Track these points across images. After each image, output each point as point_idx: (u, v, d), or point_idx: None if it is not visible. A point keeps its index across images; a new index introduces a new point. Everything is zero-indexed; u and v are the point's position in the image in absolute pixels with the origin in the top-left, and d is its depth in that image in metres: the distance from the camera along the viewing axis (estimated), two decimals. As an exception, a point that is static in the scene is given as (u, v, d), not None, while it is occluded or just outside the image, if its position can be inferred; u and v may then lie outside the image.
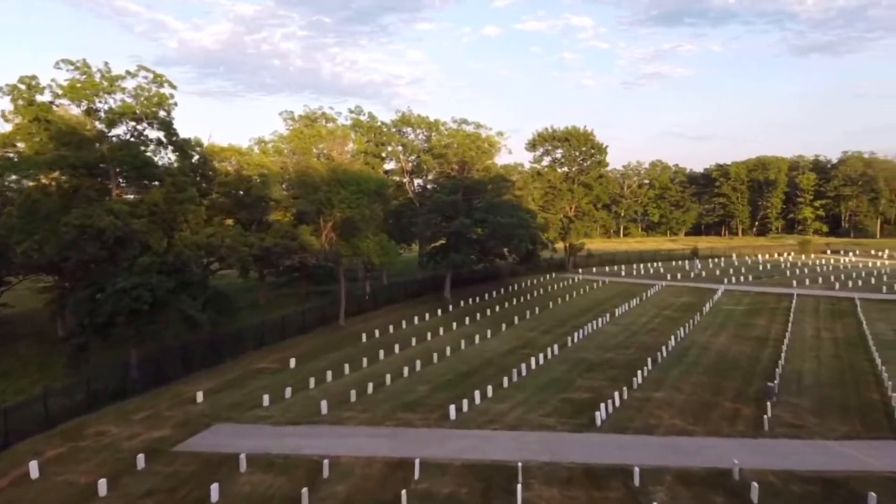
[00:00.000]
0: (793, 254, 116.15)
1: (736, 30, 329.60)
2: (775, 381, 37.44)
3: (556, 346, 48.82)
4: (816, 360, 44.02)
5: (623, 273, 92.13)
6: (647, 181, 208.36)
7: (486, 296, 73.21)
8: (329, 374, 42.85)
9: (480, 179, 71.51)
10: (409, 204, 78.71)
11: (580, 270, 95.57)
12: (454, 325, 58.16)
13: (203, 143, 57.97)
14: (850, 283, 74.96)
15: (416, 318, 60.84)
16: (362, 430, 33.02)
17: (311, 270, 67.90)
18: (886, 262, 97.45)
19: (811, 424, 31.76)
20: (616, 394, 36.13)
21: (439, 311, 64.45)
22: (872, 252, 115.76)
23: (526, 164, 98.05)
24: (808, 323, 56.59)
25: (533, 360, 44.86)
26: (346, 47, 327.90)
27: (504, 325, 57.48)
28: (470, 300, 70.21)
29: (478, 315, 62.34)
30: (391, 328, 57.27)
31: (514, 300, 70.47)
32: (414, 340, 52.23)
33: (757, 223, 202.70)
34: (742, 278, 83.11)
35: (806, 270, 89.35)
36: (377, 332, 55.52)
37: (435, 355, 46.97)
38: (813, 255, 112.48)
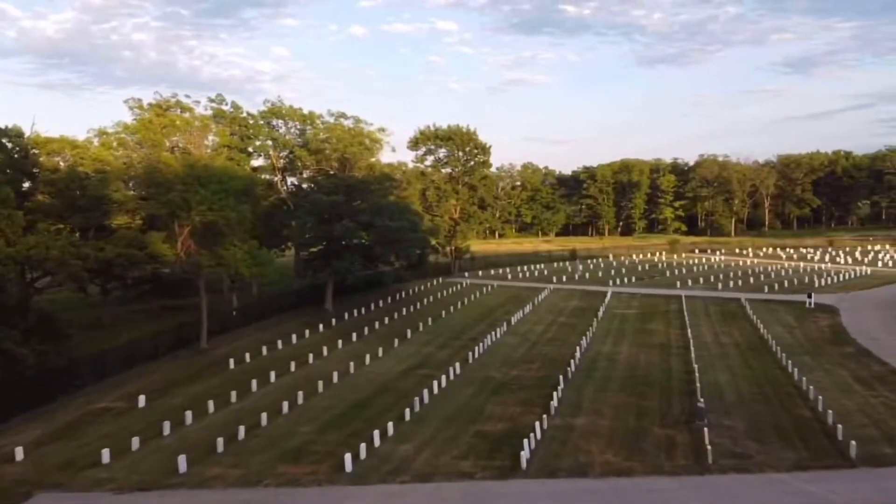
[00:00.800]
0: (664, 253, 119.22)
1: (590, 40, 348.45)
2: (701, 400, 34.32)
3: (456, 364, 43.62)
4: (729, 371, 41.87)
5: (509, 276, 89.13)
6: (518, 183, 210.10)
7: (373, 306, 66.90)
8: (188, 414, 34.90)
9: (364, 178, 65.10)
10: (281, 205, 70.70)
11: (466, 275, 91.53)
12: (339, 342, 51.45)
13: (24, 133, 47.27)
14: (731, 284, 76.07)
15: (294, 336, 53.43)
16: (233, 496, 25.87)
17: (167, 282, 58.36)
18: (755, 261, 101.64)
19: (754, 453, 28.52)
20: (536, 423, 31.33)
21: (321, 327, 57.37)
22: (737, 251, 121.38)
23: (409, 163, 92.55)
24: (705, 327, 55.36)
25: (434, 382, 39.33)
26: (205, 41, 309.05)
27: (396, 341, 51.53)
28: (355, 311, 63.59)
29: (365, 329, 55.95)
30: (264, 349, 49.59)
31: (404, 310, 64.68)
32: (293, 365, 44.99)
33: (621, 223, 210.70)
34: (626, 280, 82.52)
35: (683, 271, 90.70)
36: (248, 356, 47.68)
37: (320, 383, 40.15)
38: (683, 255, 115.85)
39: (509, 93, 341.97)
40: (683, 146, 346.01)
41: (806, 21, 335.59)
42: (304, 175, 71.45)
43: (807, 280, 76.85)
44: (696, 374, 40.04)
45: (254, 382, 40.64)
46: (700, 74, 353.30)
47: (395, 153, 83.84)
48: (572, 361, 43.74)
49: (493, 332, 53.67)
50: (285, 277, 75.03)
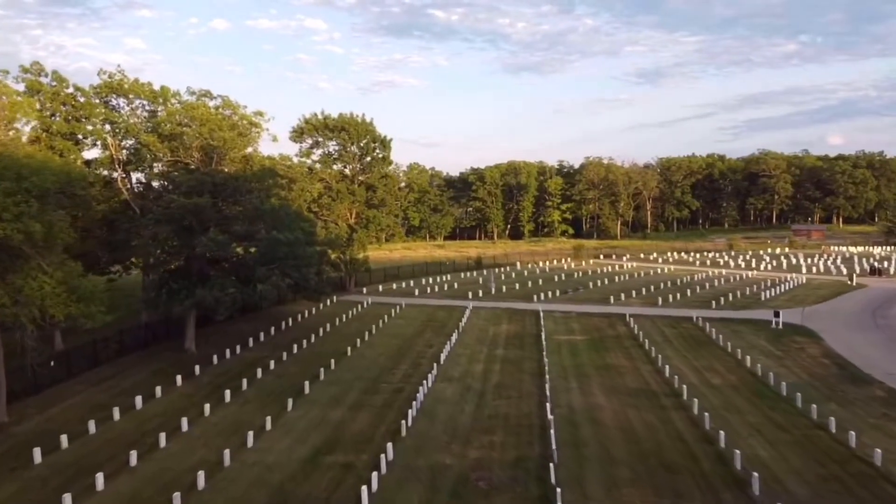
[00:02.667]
0: (569, 260, 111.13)
1: (458, 46, 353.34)
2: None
3: (386, 444, 29.77)
4: (760, 435, 31.07)
5: (416, 292, 75.92)
6: (404, 184, 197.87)
7: (251, 341, 51.36)
8: None
9: (238, 174, 49.41)
10: (125, 209, 53.27)
11: (365, 290, 77.39)
12: (207, 406, 35.91)
13: None
14: (670, 297, 67.38)
15: (139, 397, 37.26)
16: None
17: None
18: (672, 268, 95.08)
19: None
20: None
21: (179, 378, 41.30)
22: (641, 256, 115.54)
23: (293, 158, 76.67)
24: (676, 360, 45.06)
25: (359, 482, 25.38)
26: (51, 30, 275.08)
27: (290, 400, 36.77)
28: (227, 351, 47.84)
29: (243, 381, 40.59)
30: (92, 424, 33.24)
31: (294, 346, 49.65)
32: (134, 455, 29.21)
33: (509, 226, 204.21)
34: (550, 294, 71.93)
35: (605, 281, 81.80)
36: (65, 439, 31.24)
37: (177, 497, 24.93)
38: (591, 261, 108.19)
39: (381, 94, 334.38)
40: (546, 152, 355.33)
41: (656, 34, 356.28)
42: (156, 170, 54.26)
43: (748, 291, 69.88)
44: (723, 444, 28.97)
45: (68, 497, 24.73)
46: (561, 83, 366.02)
47: (277, 143, 68.36)
48: (546, 432, 31.31)
49: (422, 381, 40.32)
50: (132, 303, 57.71)
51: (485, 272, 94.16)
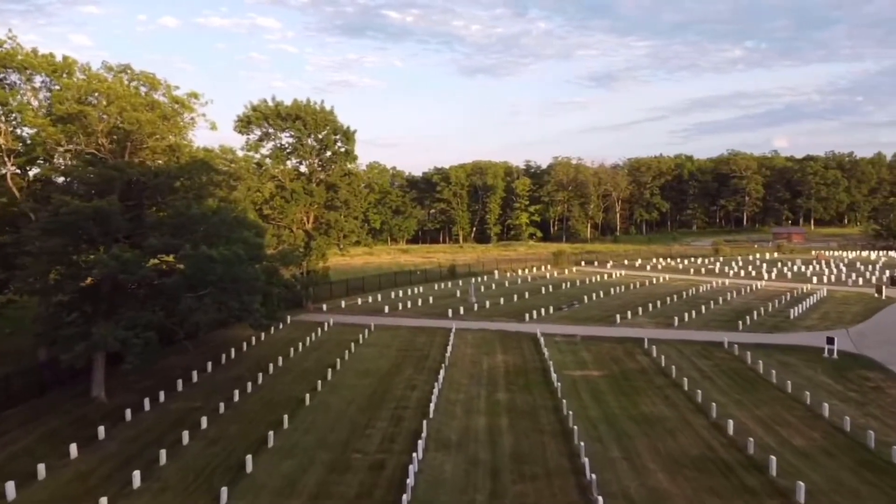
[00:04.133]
0: (549, 266, 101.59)
1: (413, 47, 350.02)
2: None
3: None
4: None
5: (386, 308, 64.92)
6: (364, 184, 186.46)
7: (179, 383, 39.81)
8: None
9: (161, 169, 37.76)
10: (19, 214, 41.06)
11: (325, 307, 66.09)
12: (104, 502, 24.53)
13: None
14: (686, 316, 57.82)
15: (9, 485, 25.61)
16: None
17: None
18: (668, 277, 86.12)
19: None
20: None
21: (75, 448, 29.69)
22: (626, 262, 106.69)
23: (237, 151, 64.64)
24: (731, 407, 35.21)
25: None
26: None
27: (225, 490, 25.53)
28: (146, 401, 36.24)
29: (162, 452, 29.15)
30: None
31: (235, 392, 38.20)
32: None
33: (475, 229, 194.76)
34: (543, 312, 61.83)
35: (601, 294, 72.18)
36: None
37: None
38: (574, 269, 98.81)
39: (336, 94, 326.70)
40: (506, 153, 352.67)
41: (607, 39, 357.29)
42: (58, 162, 42.02)
43: (770, 308, 61.01)
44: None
45: None
46: (517, 85, 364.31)
47: (217, 132, 57.33)
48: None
49: (406, 443, 29.64)
50: (24, 332, 45.74)
51: (461, 283, 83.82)
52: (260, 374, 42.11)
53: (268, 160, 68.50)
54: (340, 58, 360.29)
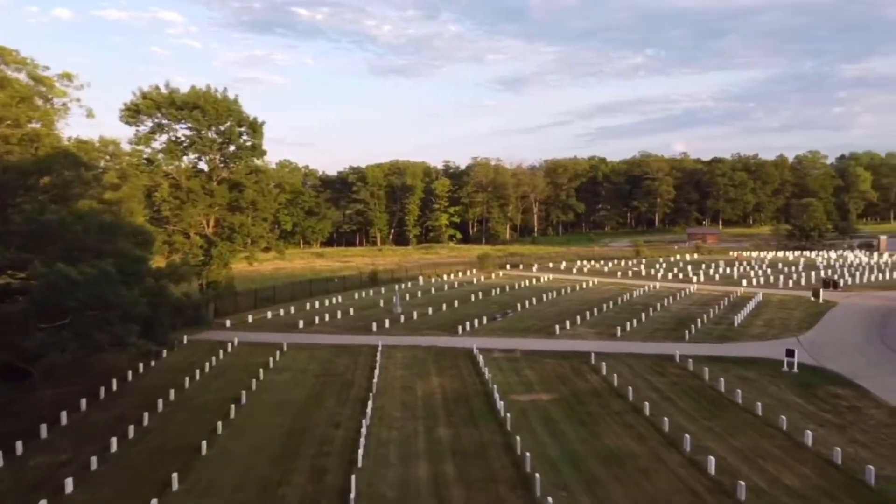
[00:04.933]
0: (475, 270, 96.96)
1: (324, 46, 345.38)
2: None
3: None
4: None
5: (301, 323, 57.76)
6: (273, 183, 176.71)
7: (43, 429, 31.72)
8: None
9: (10, 163, 29.61)
10: None
11: (229, 322, 58.28)
12: None
13: None
14: (628, 325, 53.97)
15: None
16: None
17: None
18: (597, 281, 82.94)
19: None
20: None
21: None
22: (551, 265, 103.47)
23: (124, 145, 55.52)
24: (705, 437, 30.84)
25: None
26: None
27: None
28: (6, 459, 28.22)
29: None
30: None
31: (112, 439, 30.55)
32: None
33: (393, 230, 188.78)
34: (476, 323, 56.64)
35: (534, 301, 67.75)
36: None
37: None
38: (500, 273, 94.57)
39: (243, 91, 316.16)
40: (422, 154, 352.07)
41: (517, 44, 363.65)
42: None
43: (711, 314, 58.21)
44: None
45: None
46: (430, 87, 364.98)
47: (94, 120, 48.85)
48: None
49: (335, 514, 23.41)
50: None
51: (383, 290, 77.58)
52: (146, 414, 34.49)
53: (160, 155, 59.92)
54: (247, 54, 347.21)
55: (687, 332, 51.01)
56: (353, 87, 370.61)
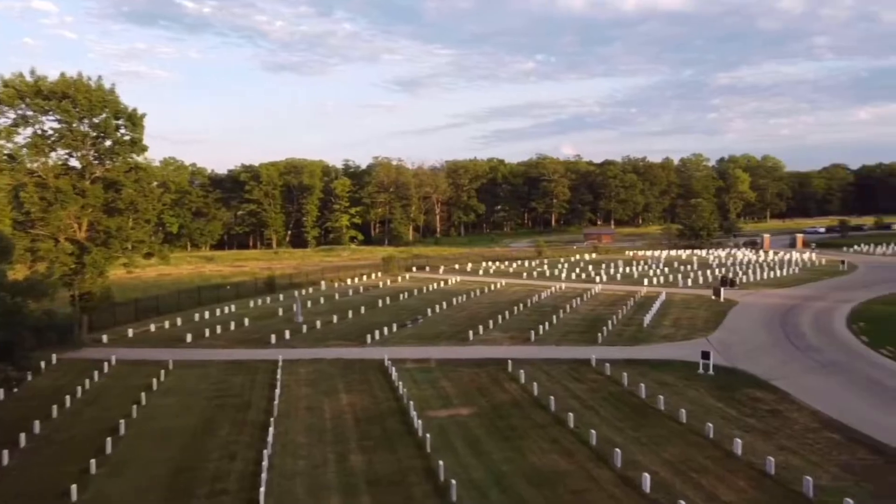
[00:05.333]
0: (380, 274, 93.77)
1: (212, 40, 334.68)
2: None
3: None
4: None
5: (189, 337, 52.39)
6: (156, 182, 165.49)
7: None
8: None
9: None
10: None
11: (106, 338, 52.13)
12: None
13: None
14: (541, 329, 52.60)
15: None
16: None
17: None
18: (504, 283, 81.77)
19: None
20: None
21: None
22: (457, 267, 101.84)
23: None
24: (633, 449, 29.35)
25: None
26: None
27: None
28: None
29: None
30: None
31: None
32: None
33: (290, 232, 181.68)
34: (385, 330, 53.57)
35: (444, 305, 65.37)
36: None
37: None
38: (407, 276, 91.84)
39: (125, 85, 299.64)
40: (319, 153, 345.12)
41: (412, 45, 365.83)
42: None
43: (620, 315, 57.93)
44: None
45: None
46: (324, 85, 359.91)
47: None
48: None
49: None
50: None
51: (282, 297, 72.83)
52: (5, 452, 29.09)
53: (24, 151, 52.77)
54: (128, 46, 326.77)
55: (599, 334, 50.25)
56: (245, 84, 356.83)
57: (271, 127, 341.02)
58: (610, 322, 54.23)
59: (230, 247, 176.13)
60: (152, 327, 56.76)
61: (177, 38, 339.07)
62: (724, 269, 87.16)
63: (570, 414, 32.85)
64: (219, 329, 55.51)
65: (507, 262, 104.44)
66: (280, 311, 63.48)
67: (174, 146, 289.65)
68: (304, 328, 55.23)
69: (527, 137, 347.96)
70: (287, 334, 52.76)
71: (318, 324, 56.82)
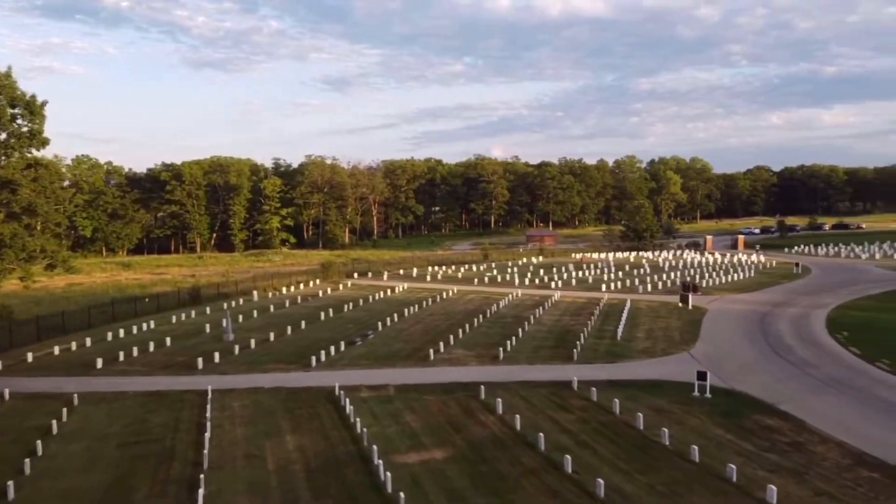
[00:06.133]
0: (319, 281, 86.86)
1: (130, 34, 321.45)
2: None
3: None
4: None
5: (100, 363, 44.59)
6: (68, 182, 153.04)
7: None
8: None
9: None
10: None
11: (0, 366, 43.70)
12: None
13: None
14: (509, 345, 47.46)
15: None
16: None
17: None
18: (456, 290, 76.42)
19: None
20: None
21: None
22: (402, 272, 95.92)
23: None
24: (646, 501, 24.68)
25: None
26: None
27: None
28: None
29: None
30: None
31: None
32: None
33: (216, 235, 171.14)
34: (332, 349, 47.26)
35: (396, 318, 59.46)
36: None
37: None
38: (349, 283, 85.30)
39: (37, 81, 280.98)
40: (247, 152, 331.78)
41: (340, 44, 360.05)
42: None
43: (589, 326, 53.54)
44: None
45: None
46: (250, 83, 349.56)
47: None
48: None
49: None
50: None
51: (208, 310, 65.12)
52: None
53: None
54: (42, 41, 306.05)
55: (574, 350, 45.54)
56: (166, 81, 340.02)
57: (194, 125, 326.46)
58: (581, 335, 49.68)
59: (150, 251, 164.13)
60: (56, 349, 48.50)
61: (92, 33, 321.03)
62: (677, 273, 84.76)
63: (567, 457, 27.67)
64: (135, 351, 47.72)
65: (454, 267, 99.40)
66: (207, 328, 56.00)
67: (90, 145, 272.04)
68: (237, 348, 48.16)
69: (458, 139, 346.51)
70: (216, 357, 45.61)
71: (253, 342, 49.87)
